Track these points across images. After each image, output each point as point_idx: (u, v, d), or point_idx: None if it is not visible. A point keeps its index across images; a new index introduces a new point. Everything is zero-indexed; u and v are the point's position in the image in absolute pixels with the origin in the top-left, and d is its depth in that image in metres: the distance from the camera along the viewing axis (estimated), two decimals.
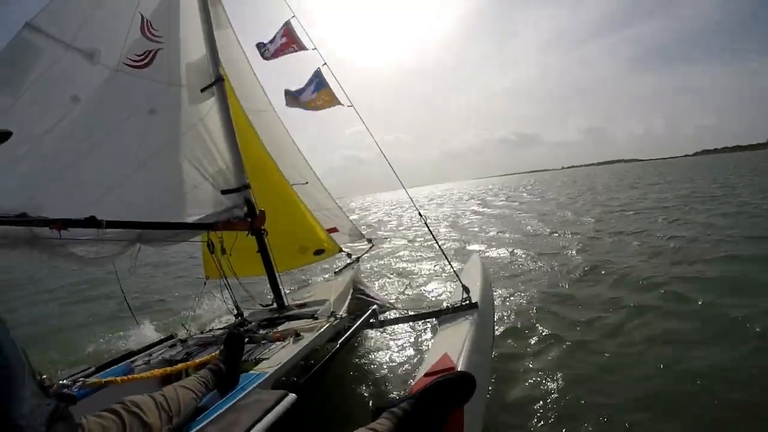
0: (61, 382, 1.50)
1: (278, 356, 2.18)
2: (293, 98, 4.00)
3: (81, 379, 1.64)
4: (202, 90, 3.37)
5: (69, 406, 1.14)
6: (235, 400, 1.68)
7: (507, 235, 10.11)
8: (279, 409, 1.56)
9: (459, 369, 1.93)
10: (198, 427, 1.50)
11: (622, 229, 8.65)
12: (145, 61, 3.07)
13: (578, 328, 3.74)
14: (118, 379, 1.74)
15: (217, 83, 3.42)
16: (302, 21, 3.94)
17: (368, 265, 7.56)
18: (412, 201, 3.84)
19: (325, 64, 3.87)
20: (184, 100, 3.27)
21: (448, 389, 1.60)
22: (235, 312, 3.25)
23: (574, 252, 6.91)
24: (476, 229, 11.98)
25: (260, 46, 4.11)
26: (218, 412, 1.59)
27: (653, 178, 29.99)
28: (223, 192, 3.32)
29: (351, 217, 5.25)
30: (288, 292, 3.73)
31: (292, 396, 1.64)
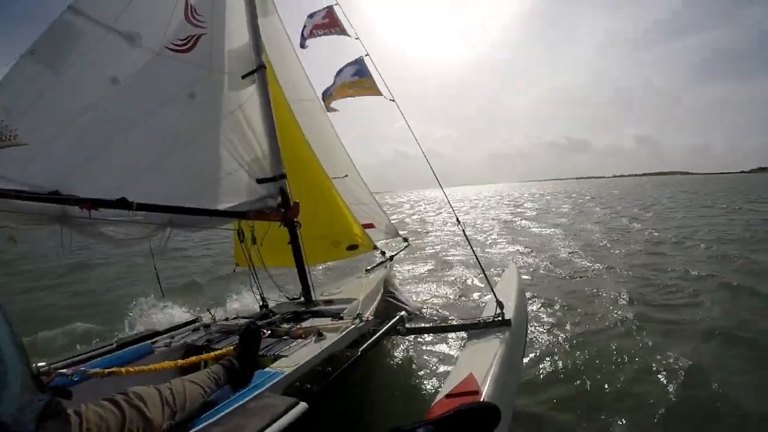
0: (60, 370, 1.45)
1: (297, 355, 2.08)
2: (329, 96, 3.93)
3: (82, 368, 1.58)
4: (243, 77, 3.34)
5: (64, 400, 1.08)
6: (244, 401, 1.60)
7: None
8: (288, 418, 1.46)
9: (483, 395, 1.79)
10: (201, 426, 1.43)
11: None
12: (188, 45, 3.07)
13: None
14: (123, 369, 1.68)
15: (259, 70, 3.37)
16: (351, 9, 3.84)
17: (399, 266, 7.36)
18: (450, 204, 3.59)
19: (367, 54, 3.76)
20: (225, 86, 3.25)
21: (470, 420, 1.46)
22: (261, 303, 3.20)
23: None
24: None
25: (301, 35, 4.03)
26: (225, 412, 1.51)
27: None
28: (258, 181, 3.27)
29: (392, 216, 5.10)
30: (317, 287, 3.63)
31: (302, 405, 1.53)
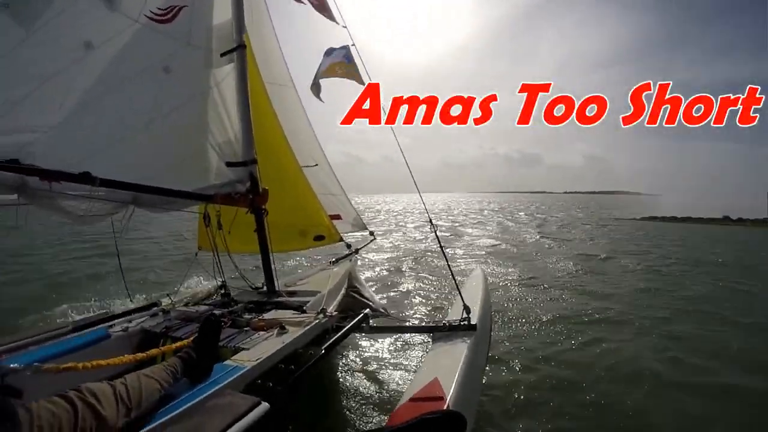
0: (12, 365, 1.40)
1: (259, 349, 2.07)
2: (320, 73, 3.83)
3: (35, 364, 1.52)
4: (222, 54, 3.22)
5: (15, 398, 1.07)
6: (203, 396, 1.58)
7: None
8: (249, 418, 1.45)
9: (448, 402, 1.82)
10: (159, 422, 1.41)
11: None
12: (168, 16, 2.92)
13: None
14: (79, 365, 1.61)
15: (238, 49, 3.26)
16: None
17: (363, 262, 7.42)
18: (426, 208, 3.69)
19: (353, 44, 3.72)
20: (202, 62, 3.13)
21: (434, 429, 1.47)
22: (223, 291, 3.16)
23: None
24: None
25: None
26: (183, 408, 1.50)
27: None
28: (228, 164, 3.20)
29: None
30: (280, 277, 3.61)
31: (264, 405, 1.52)
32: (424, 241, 12.38)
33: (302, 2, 3.71)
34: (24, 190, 2.15)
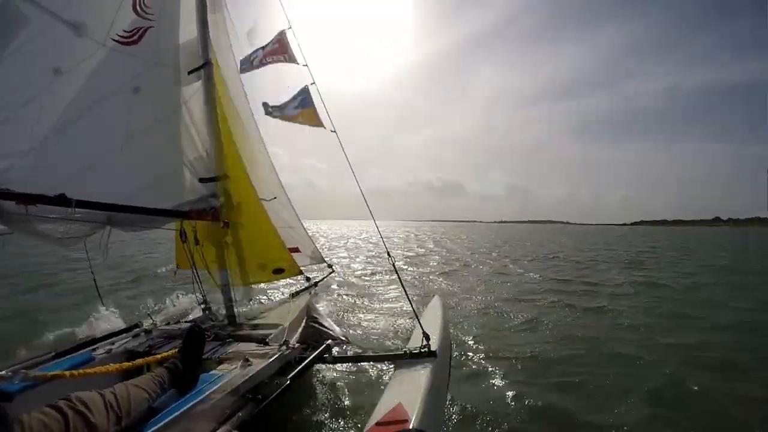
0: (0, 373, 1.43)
1: (224, 380, 2.03)
2: (273, 111, 3.78)
3: (23, 371, 1.55)
4: (189, 72, 3.28)
5: (4, 403, 1.10)
6: (190, 405, 1.63)
7: None
8: (235, 420, 1.53)
9: (412, 424, 1.84)
10: (150, 430, 1.45)
11: None
12: (134, 38, 2.96)
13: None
14: (67, 373, 1.65)
15: (205, 66, 3.33)
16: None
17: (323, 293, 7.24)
18: (381, 237, 3.74)
19: (313, 83, 3.62)
20: (170, 81, 3.18)
21: None
22: (204, 306, 3.18)
23: None
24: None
25: (244, 62, 3.79)
26: (171, 417, 1.54)
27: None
28: (201, 180, 3.24)
29: None
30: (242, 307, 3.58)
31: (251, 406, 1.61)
32: (369, 269, 11.93)
33: (264, 64, 3.73)
34: (0, 215, 2.14)
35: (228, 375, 1.95)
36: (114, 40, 2.81)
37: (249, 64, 3.78)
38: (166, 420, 1.52)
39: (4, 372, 1.52)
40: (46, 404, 1.28)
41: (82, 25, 2.64)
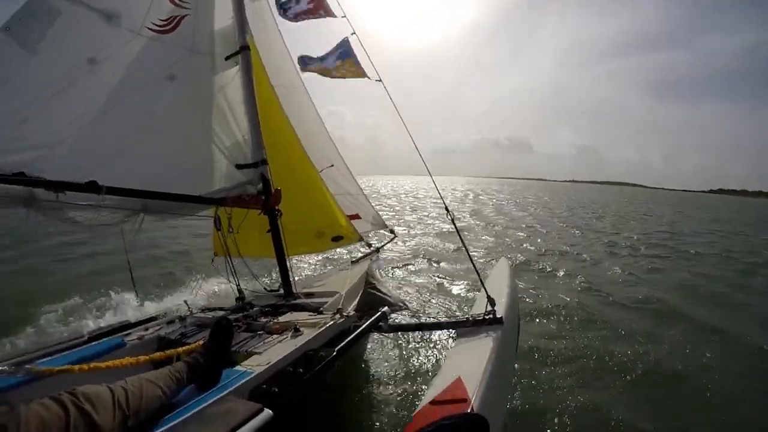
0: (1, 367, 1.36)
1: (270, 352, 1.99)
2: (310, 64, 3.71)
3: (26, 366, 1.48)
4: (227, 58, 3.23)
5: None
6: (206, 404, 1.50)
7: None
8: (248, 427, 1.36)
9: (472, 404, 1.62)
10: (157, 431, 1.33)
11: None
12: (170, 26, 2.98)
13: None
14: (75, 367, 1.57)
15: (242, 52, 3.26)
16: None
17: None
18: (441, 196, 3.45)
19: (354, 33, 3.56)
20: (206, 68, 3.16)
21: None
22: (237, 295, 3.13)
23: None
24: None
25: (281, 4, 3.71)
26: (184, 416, 1.42)
27: None
28: (238, 166, 3.18)
29: None
30: (299, 279, 3.54)
31: (267, 413, 1.43)
32: (432, 230, 11.72)
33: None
34: (31, 203, 2.19)
35: (250, 372, 1.80)
36: (149, 28, 2.84)
37: (282, 12, 3.72)
38: (181, 418, 1.40)
39: (5, 367, 1.46)
40: (49, 395, 1.19)
41: (118, 14, 2.69)
